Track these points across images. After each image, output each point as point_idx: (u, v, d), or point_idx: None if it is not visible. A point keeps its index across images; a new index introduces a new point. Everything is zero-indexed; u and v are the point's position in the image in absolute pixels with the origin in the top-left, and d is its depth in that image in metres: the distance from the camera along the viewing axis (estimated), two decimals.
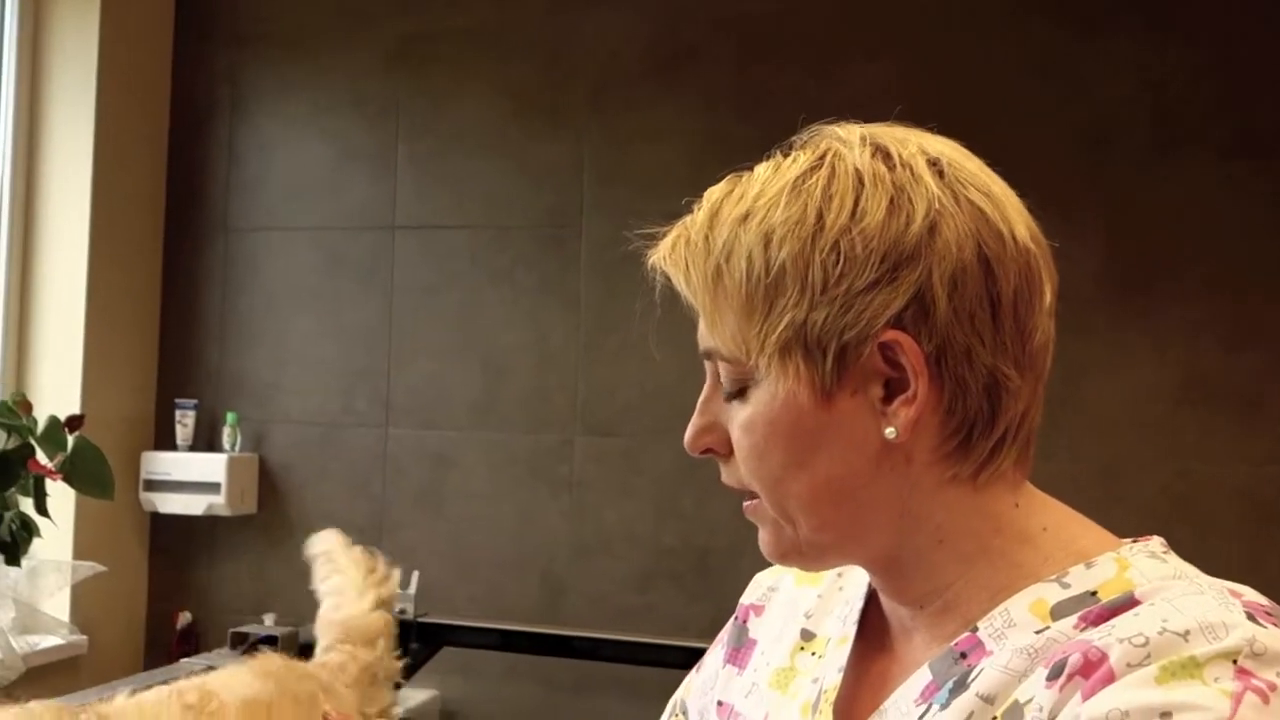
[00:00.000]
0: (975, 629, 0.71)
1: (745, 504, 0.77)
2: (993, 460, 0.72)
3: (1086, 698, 0.61)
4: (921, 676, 0.72)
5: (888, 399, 0.70)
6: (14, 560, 2.28)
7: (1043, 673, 0.65)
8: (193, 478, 2.77)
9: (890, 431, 0.70)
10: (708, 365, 0.77)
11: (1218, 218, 2.35)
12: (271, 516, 2.84)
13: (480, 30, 2.76)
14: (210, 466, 2.77)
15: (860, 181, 0.71)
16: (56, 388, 2.69)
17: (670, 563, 2.59)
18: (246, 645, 2.34)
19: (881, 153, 0.72)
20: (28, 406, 2.34)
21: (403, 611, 2.40)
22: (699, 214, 0.76)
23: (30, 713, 0.93)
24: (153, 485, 2.81)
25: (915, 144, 0.73)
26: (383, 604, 1.51)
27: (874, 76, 2.48)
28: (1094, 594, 0.68)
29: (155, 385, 2.93)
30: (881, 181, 0.70)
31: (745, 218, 0.72)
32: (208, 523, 2.85)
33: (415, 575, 2.49)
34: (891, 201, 0.70)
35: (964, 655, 0.70)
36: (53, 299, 2.73)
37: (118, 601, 2.81)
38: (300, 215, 2.87)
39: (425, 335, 2.77)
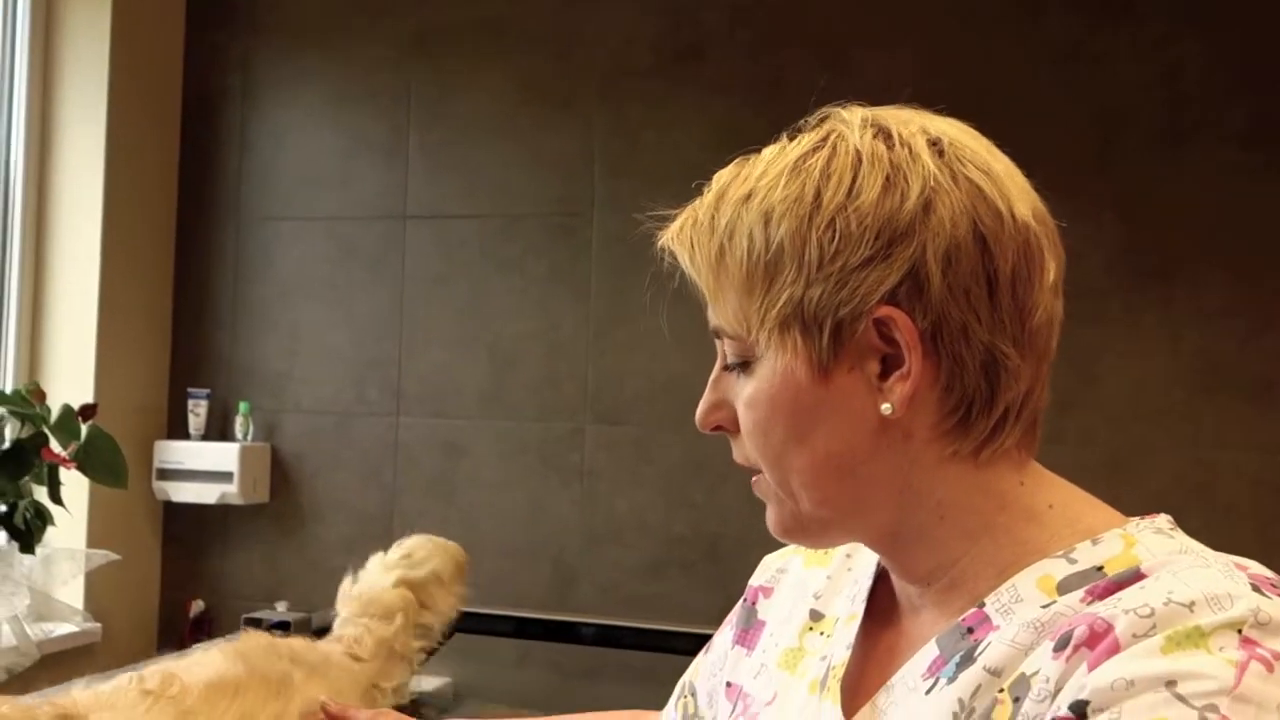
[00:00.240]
0: (982, 604, 0.71)
1: (753, 480, 0.78)
2: (995, 438, 0.72)
3: (1092, 668, 0.61)
4: (929, 651, 0.72)
5: (884, 375, 0.71)
6: (28, 548, 2.30)
7: (1049, 645, 0.65)
8: (205, 467, 2.78)
9: (886, 407, 0.70)
10: (717, 343, 0.78)
11: (1233, 205, 2.33)
12: (284, 505, 2.86)
13: (492, 20, 2.76)
14: (223, 456, 2.78)
15: (858, 161, 0.72)
16: (69, 377, 2.71)
17: (681, 551, 2.59)
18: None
19: (883, 133, 0.73)
20: (41, 395, 2.36)
21: None
22: (707, 195, 0.78)
23: (5, 717, 0.92)
24: (165, 474, 2.82)
25: (918, 124, 0.74)
26: (406, 583, 1.51)
27: (887, 65, 2.47)
28: (1100, 569, 0.68)
29: (168, 374, 2.94)
30: (879, 161, 0.71)
31: (748, 198, 0.74)
32: (220, 511, 2.86)
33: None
34: (887, 180, 0.70)
35: (971, 630, 0.71)
36: (66, 289, 2.74)
37: (131, 589, 2.83)
38: (312, 205, 2.88)
39: (436, 324, 2.78)
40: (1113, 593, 0.65)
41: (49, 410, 2.31)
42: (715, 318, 0.76)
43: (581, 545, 2.66)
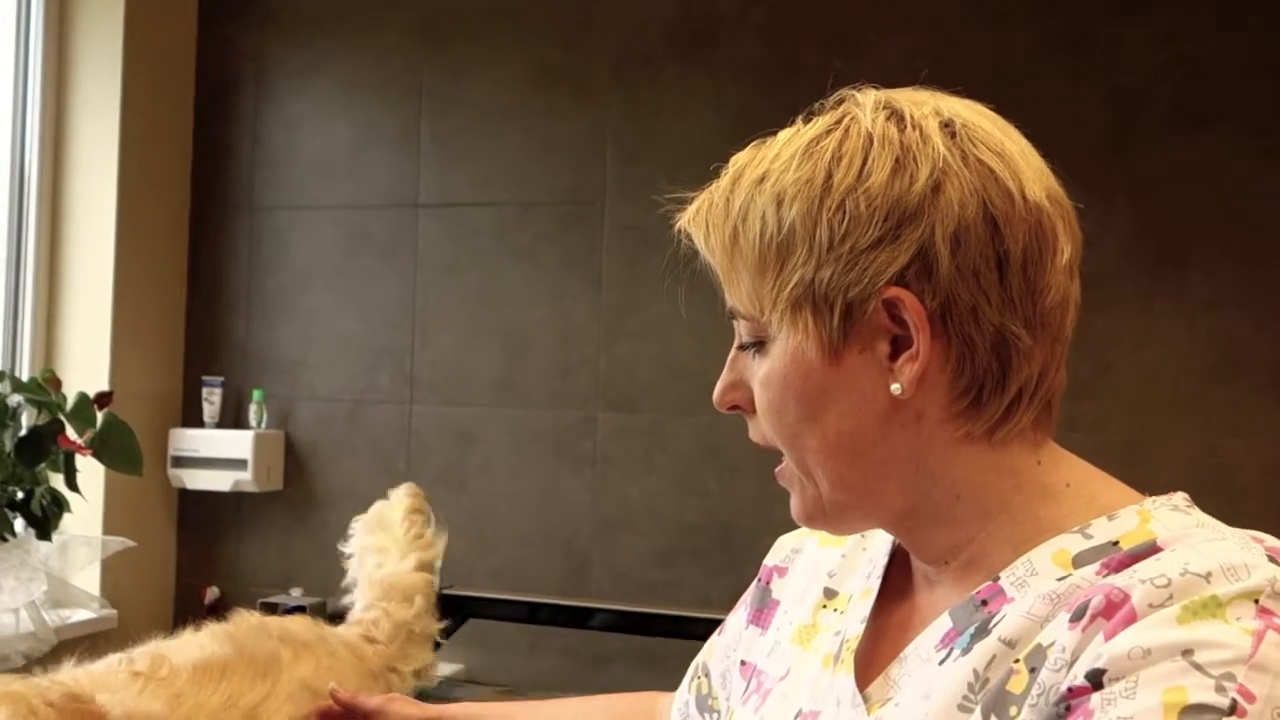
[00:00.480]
0: (997, 578, 0.71)
1: (777, 470, 0.79)
2: (1008, 419, 0.72)
3: (1109, 638, 0.61)
4: (942, 624, 0.73)
5: (894, 356, 0.71)
6: (45, 535, 2.32)
7: (1065, 616, 0.65)
8: (220, 454, 2.80)
9: (896, 388, 0.71)
10: (734, 324, 0.79)
11: (1248, 191, 2.32)
12: (297, 492, 2.87)
13: (504, 8, 2.76)
14: (237, 443, 2.79)
15: (870, 143, 0.72)
16: (85, 365, 2.72)
17: (693, 539, 2.60)
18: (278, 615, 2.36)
19: (895, 115, 0.74)
20: (57, 383, 2.37)
21: None
22: (724, 178, 0.79)
23: (13, 695, 0.93)
24: (180, 462, 2.84)
25: (931, 106, 0.75)
26: (425, 566, 1.51)
27: (900, 51, 2.46)
28: (1116, 543, 0.69)
29: (182, 363, 2.95)
30: (890, 143, 0.72)
31: (761, 180, 0.75)
32: (235, 499, 2.88)
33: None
34: (897, 161, 0.71)
35: (985, 603, 0.71)
36: (81, 278, 2.76)
37: (147, 576, 2.84)
38: (325, 193, 2.89)
39: (449, 312, 2.78)
40: (1129, 566, 0.65)
41: (65, 398, 2.33)
42: (730, 299, 0.77)
43: (594, 533, 2.67)
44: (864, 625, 0.79)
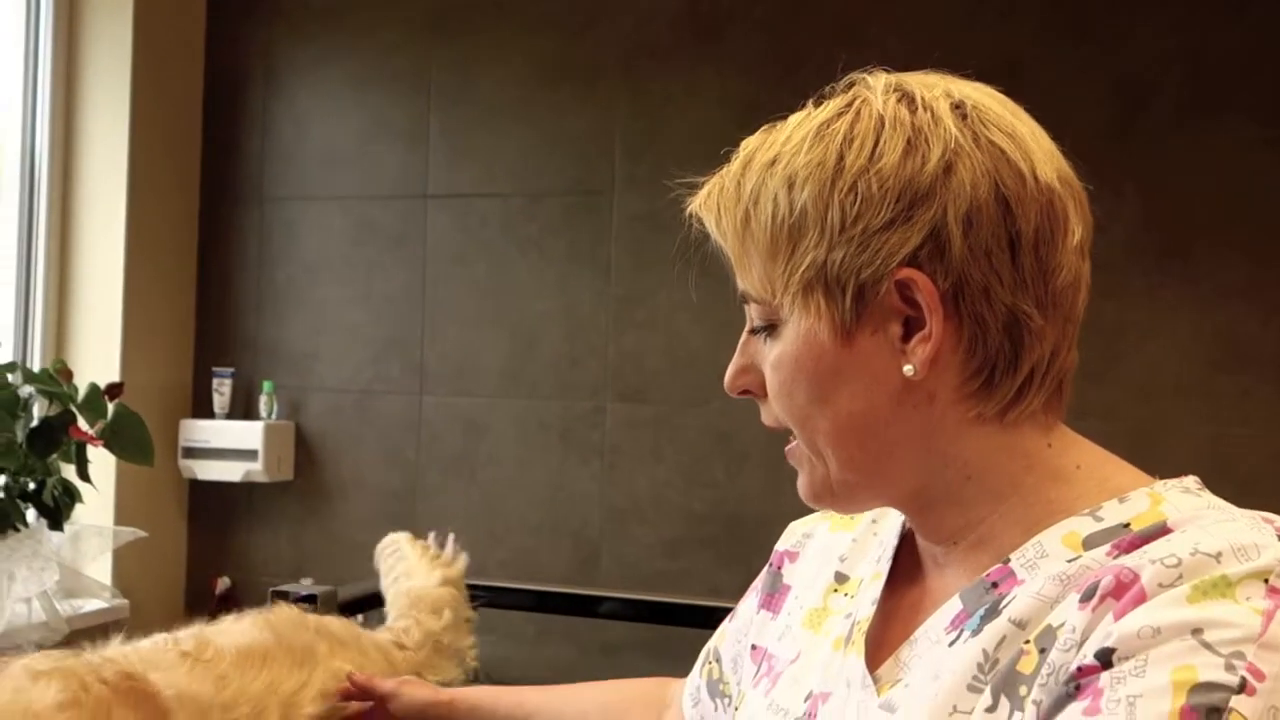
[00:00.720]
0: (1007, 560, 0.72)
1: (786, 449, 0.80)
2: (1020, 400, 0.72)
3: (1119, 617, 0.62)
4: (952, 606, 0.73)
5: (906, 337, 0.71)
6: (57, 525, 2.33)
7: (1075, 597, 0.65)
8: (230, 445, 2.81)
9: (908, 369, 0.71)
10: (745, 308, 0.79)
11: (1255, 181, 2.32)
12: (308, 483, 2.88)
13: (511, 1, 2.76)
14: (247, 434, 2.80)
15: (881, 125, 0.72)
16: (96, 356, 2.73)
17: (702, 528, 2.60)
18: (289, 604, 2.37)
19: (906, 97, 0.74)
20: (68, 374, 2.39)
21: None
22: (734, 162, 0.79)
23: (66, 671, 0.94)
24: (191, 452, 2.85)
25: (942, 89, 0.75)
26: (450, 582, 1.53)
27: (908, 42, 2.46)
28: (1127, 525, 0.69)
29: (192, 354, 2.96)
30: (901, 124, 0.72)
31: (772, 163, 0.75)
32: (245, 489, 2.89)
33: (451, 537, 2.51)
34: (909, 143, 0.71)
35: (995, 585, 0.71)
36: (92, 270, 2.77)
37: (158, 566, 2.86)
38: (334, 185, 2.90)
39: (458, 303, 2.79)
40: (1139, 547, 0.66)
41: (76, 389, 2.34)
42: (742, 282, 0.77)
43: (602, 523, 2.67)
44: (874, 608, 0.80)
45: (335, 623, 1.33)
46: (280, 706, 1.11)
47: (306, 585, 2.69)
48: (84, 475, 2.34)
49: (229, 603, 2.86)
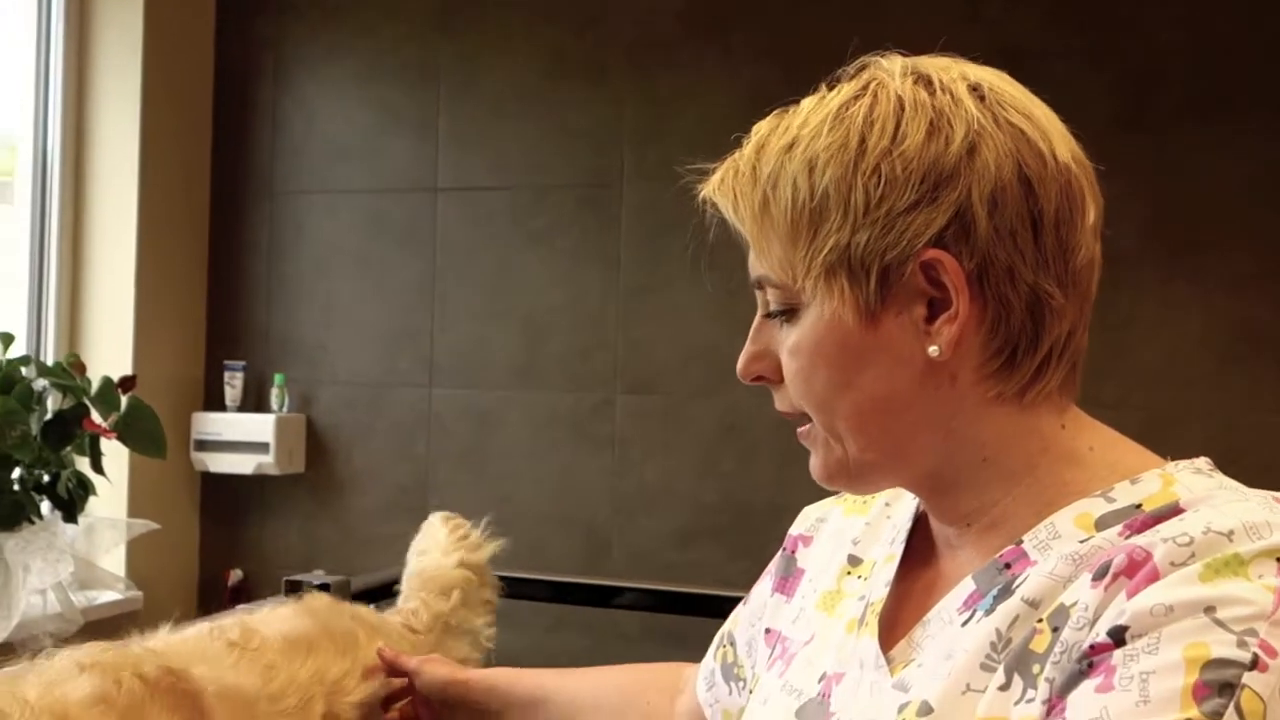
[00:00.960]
0: (1020, 541, 0.72)
1: (799, 430, 0.79)
2: (1038, 380, 0.73)
3: (1131, 595, 0.62)
4: (965, 587, 0.73)
5: (931, 318, 0.72)
6: (71, 517, 2.34)
7: (1087, 576, 0.66)
8: (242, 438, 2.82)
9: (934, 350, 0.71)
10: (758, 294, 0.79)
11: (1266, 171, 2.31)
12: (319, 475, 2.89)
13: None
14: (259, 427, 2.81)
15: (901, 107, 0.72)
16: (109, 350, 2.74)
17: (712, 520, 2.61)
18: (301, 593, 2.39)
19: (923, 80, 0.74)
20: (81, 368, 2.40)
21: None
22: (747, 147, 0.79)
23: (105, 665, 0.93)
24: (203, 445, 2.86)
25: (957, 71, 0.75)
26: (466, 565, 1.53)
27: (916, 31, 2.45)
28: (1139, 506, 0.69)
29: (204, 347, 2.97)
30: (922, 106, 0.72)
31: (790, 146, 0.75)
32: (257, 482, 2.90)
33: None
34: (931, 124, 0.71)
35: (1008, 565, 0.72)
36: (104, 264, 2.78)
37: (171, 558, 2.87)
38: (344, 179, 2.90)
39: (468, 296, 2.80)
40: (1151, 526, 0.66)
41: (89, 382, 2.35)
42: (759, 267, 0.77)
43: (613, 514, 2.68)
44: (888, 589, 0.80)
45: (363, 609, 1.34)
46: (327, 695, 1.10)
47: (319, 576, 2.71)
48: (97, 468, 2.35)
49: (241, 595, 2.88)
